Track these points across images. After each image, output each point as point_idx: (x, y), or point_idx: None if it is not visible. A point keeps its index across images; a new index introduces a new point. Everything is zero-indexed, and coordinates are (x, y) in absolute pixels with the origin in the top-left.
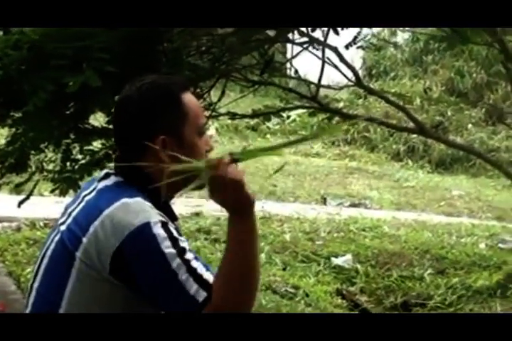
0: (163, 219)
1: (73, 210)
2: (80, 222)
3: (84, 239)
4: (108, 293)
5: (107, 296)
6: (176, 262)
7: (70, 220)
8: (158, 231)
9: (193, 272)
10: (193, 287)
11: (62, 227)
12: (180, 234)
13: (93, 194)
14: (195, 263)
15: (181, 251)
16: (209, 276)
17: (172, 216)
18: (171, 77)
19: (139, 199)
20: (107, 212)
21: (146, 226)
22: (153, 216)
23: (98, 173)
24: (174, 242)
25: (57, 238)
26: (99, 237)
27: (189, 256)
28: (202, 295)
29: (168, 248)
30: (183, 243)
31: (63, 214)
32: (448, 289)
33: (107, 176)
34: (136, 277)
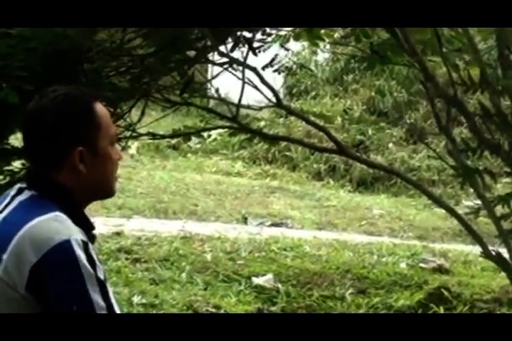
0: (84, 238)
1: None
2: None
3: (4, 256)
4: (23, 312)
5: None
6: (91, 282)
7: None
8: (78, 249)
9: (105, 296)
10: (101, 307)
11: None
12: (96, 253)
13: (8, 210)
14: (108, 290)
15: (97, 274)
16: (115, 306)
17: (88, 225)
18: (81, 88)
19: (57, 214)
20: (25, 228)
21: (67, 244)
22: (74, 233)
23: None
24: (92, 264)
25: None
26: (19, 254)
27: (102, 278)
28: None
29: (85, 267)
30: (99, 270)
31: None
32: (369, 309)
33: (20, 191)
34: (49, 289)
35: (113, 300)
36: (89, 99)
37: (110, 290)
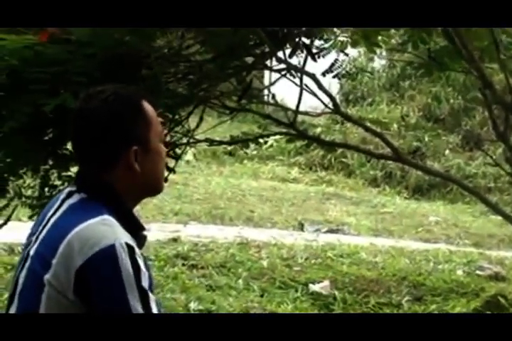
0: (130, 243)
1: (40, 233)
2: (48, 245)
3: (54, 261)
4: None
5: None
6: (131, 289)
7: (37, 244)
8: (122, 255)
9: (145, 304)
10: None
11: (31, 252)
12: (144, 259)
13: (58, 214)
14: (150, 298)
15: (139, 280)
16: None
17: (138, 226)
18: (128, 87)
19: (106, 218)
20: (73, 232)
21: (111, 249)
22: (120, 238)
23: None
24: (135, 270)
25: (27, 264)
26: (67, 258)
27: (145, 285)
28: None
29: (127, 274)
30: (143, 276)
31: (29, 238)
32: None
33: (70, 194)
34: (91, 294)
35: (154, 309)
36: (137, 97)
37: (153, 297)
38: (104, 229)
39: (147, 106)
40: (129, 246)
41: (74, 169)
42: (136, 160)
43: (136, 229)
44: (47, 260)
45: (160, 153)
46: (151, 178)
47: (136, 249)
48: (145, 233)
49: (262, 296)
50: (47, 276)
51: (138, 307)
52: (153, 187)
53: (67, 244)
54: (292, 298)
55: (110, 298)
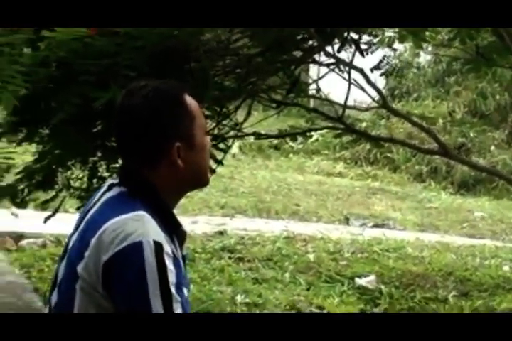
0: (159, 240)
1: (79, 225)
2: (83, 237)
3: (86, 253)
4: (109, 310)
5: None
6: (154, 287)
7: (75, 236)
8: (148, 252)
9: (167, 305)
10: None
11: (70, 243)
12: (175, 257)
13: (96, 207)
14: (173, 298)
15: (164, 279)
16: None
17: (176, 224)
18: (170, 81)
19: (139, 213)
20: (106, 225)
21: (137, 245)
22: (150, 235)
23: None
24: (161, 268)
25: (66, 255)
26: (97, 251)
27: (170, 282)
28: None
29: (151, 272)
30: (171, 273)
31: (73, 230)
32: (472, 311)
33: (110, 187)
34: (113, 289)
35: (177, 310)
36: (179, 92)
37: (177, 298)
38: (136, 224)
39: (189, 101)
40: (156, 243)
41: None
42: (180, 156)
43: (173, 226)
44: (81, 252)
45: (204, 146)
46: (196, 172)
47: (166, 247)
48: (184, 229)
49: (308, 290)
50: (79, 268)
51: (159, 308)
52: (199, 181)
53: (99, 237)
54: (338, 291)
55: (131, 295)
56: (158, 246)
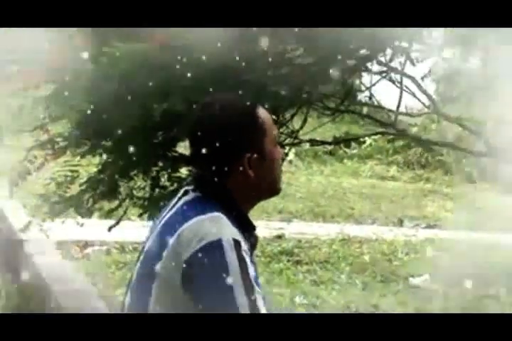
0: (237, 238)
1: (155, 228)
2: (161, 238)
3: (165, 253)
4: (181, 308)
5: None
6: (236, 281)
7: (152, 238)
8: (228, 249)
9: (251, 297)
10: (244, 306)
11: (146, 246)
12: (251, 254)
13: (174, 210)
14: (255, 290)
15: (245, 273)
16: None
17: (250, 226)
18: (240, 96)
19: (217, 215)
20: (185, 226)
21: (217, 243)
22: (227, 233)
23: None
24: (241, 263)
25: (141, 257)
26: (176, 250)
27: (251, 277)
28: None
29: (233, 266)
30: (250, 268)
31: (148, 235)
32: None
33: (186, 192)
34: (194, 286)
35: (259, 301)
36: (252, 106)
37: (258, 290)
38: (213, 224)
39: (262, 114)
40: (235, 241)
41: (183, 170)
42: (251, 167)
43: (248, 228)
44: (158, 252)
45: (275, 157)
46: (267, 182)
47: (243, 245)
48: (256, 233)
49: (364, 290)
50: (157, 268)
51: (243, 300)
52: (270, 190)
53: (177, 238)
54: (393, 291)
55: (216, 290)
56: (237, 243)
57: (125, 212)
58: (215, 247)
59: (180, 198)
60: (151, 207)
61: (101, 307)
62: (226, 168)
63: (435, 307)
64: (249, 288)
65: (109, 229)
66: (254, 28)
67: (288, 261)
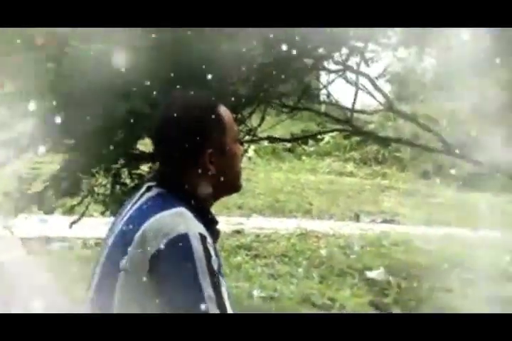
0: (202, 232)
1: (117, 224)
2: (125, 234)
3: (130, 249)
4: (147, 302)
5: (147, 301)
6: (203, 274)
7: (115, 234)
8: (195, 242)
9: (217, 289)
10: (211, 298)
11: (109, 241)
12: (215, 249)
13: (136, 206)
14: (221, 283)
15: (211, 266)
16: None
17: (213, 221)
18: (202, 92)
19: (181, 210)
20: (150, 221)
21: (184, 237)
22: (193, 228)
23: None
24: (207, 257)
25: (105, 252)
26: (142, 246)
27: (216, 270)
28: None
29: (199, 260)
30: (215, 262)
31: (109, 231)
32: (476, 300)
33: (149, 189)
34: (161, 280)
35: (224, 294)
36: (213, 103)
37: (224, 283)
38: (178, 219)
39: (223, 112)
40: (201, 235)
41: (144, 167)
42: (212, 163)
43: (210, 223)
44: (123, 248)
45: (235, 153)
46: (227, 178)
47: (208, 239)
48: (219, 228)
49: (321, 283)
50: (122, 263)
51: (210, 293)
52: (231, 186)
53: (143, 233)
54: (350, 284)
55: (181, 283)
56: (203, 238)
57: (87, 208)
58: (182, 241)
59: (143, 194)
60: (111, 204)
61: (64, 303)
62: (188, 164)
63: (390, 299)
64: (215, 281)
65: (71, 225)
66: (213, 28)
67: (246, 255)
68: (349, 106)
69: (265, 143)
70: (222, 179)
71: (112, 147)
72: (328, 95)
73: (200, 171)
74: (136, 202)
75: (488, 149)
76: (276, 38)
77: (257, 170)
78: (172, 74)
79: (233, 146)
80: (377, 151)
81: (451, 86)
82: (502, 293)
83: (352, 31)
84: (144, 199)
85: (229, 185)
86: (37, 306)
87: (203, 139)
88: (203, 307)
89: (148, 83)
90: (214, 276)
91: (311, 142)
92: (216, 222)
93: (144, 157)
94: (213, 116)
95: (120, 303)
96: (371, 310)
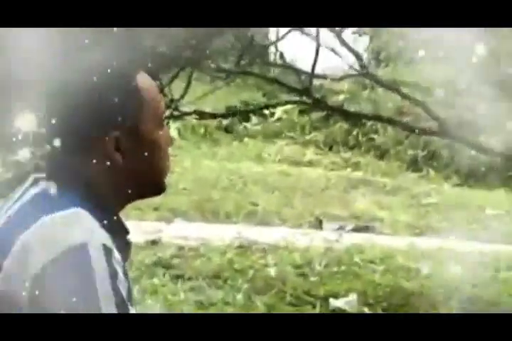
0: (107, 244)
1: None
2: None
3: (6, 262)
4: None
5: None
6: (107, 299)
7: None
8: (96, 258)
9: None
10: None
11: None
12: (123, 267)
13: (18, 207)
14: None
15: (117, 290)
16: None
17: (122, 229)
18: (119, 54)
19: (78, 211)
20: (35, 226)
21: (82, 249)
22: (95, 236)
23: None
24: (113, 279)
25: None
26: (24, 258)
27: (124, 296)
28: None
29: (102, 283)
30: (123, 285)
31: None
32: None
33: (35, 182)
34: (48, 308)
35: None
36: (129, 68)
37: (132, 312)
38: (73, 225)
39: (141, 82)
40: (106, 247)
41: (22, 152)
42: (119, 150)
43: (118, 232)
44: None
45: (156, 142)
46: (143, 174)
47: (115, 253)
48: (130, 239)
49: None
50: None
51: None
52: (149, 186)
53: (26, 241)
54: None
55: (80, 307)
56: (108, 251)
57: None
58: (77, 255)
59: (26, 190)
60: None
61: None
62: (86, 151)
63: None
64: (121, 310)
65: None
66: None
67: (164, 275)
68: (308, 69)
69: (192, 119)
70: (135, 174)
71: None
72: (281, 55)
73: (100, 162)
74: (17, 201)
75: (497, 129)
76: None
77: (181, 156)
78: None
79: (152, 131)
80: (347, 132)
81: (451, 40)
82: None
83: None
84: (27, 197)
85: (146, 184)
86: None
87: (104, 116)
88: None
89: None
90: (121, 304)
91: (255, 119)
92: (127, 232)
93: (23, 139)
94: (128, 87)
95: None
96: None
